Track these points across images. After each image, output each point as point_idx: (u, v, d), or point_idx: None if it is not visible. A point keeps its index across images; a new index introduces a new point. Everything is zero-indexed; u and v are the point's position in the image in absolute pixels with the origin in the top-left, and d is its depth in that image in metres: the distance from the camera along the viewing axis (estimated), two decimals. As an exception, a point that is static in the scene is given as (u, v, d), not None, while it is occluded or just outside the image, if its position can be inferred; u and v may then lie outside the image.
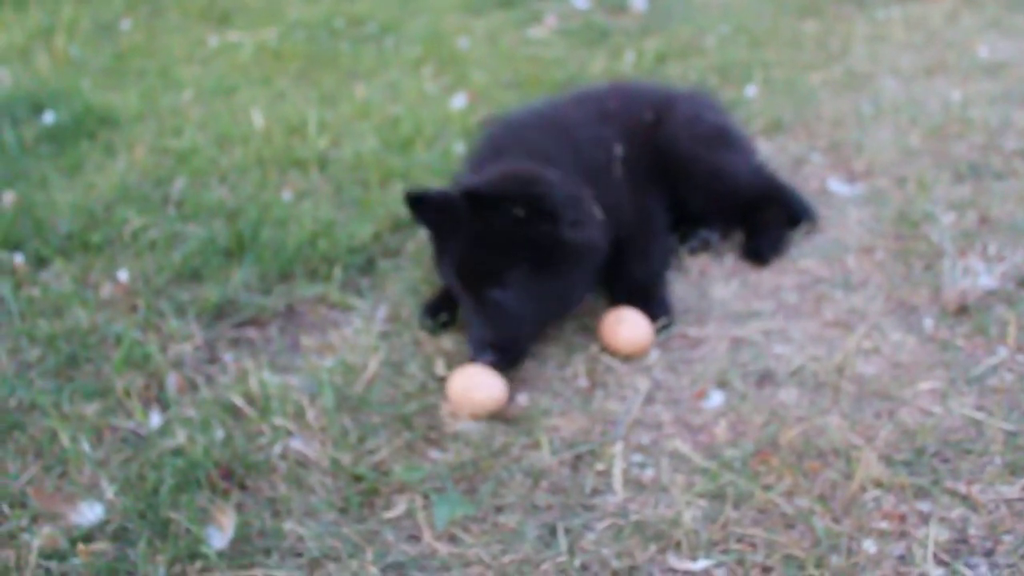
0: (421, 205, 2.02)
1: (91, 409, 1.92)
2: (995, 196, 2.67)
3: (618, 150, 2.28)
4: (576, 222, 2.01)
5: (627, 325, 2.08)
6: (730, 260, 2.47)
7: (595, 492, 1.70)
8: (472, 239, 1.99)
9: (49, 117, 3.47)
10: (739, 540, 1.56)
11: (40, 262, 2.49)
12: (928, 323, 2.11)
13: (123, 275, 2.38)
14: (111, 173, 3.00)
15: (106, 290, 2.34)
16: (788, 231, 2.55)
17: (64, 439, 1.81)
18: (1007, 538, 1.52)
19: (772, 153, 3.10)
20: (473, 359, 1.97)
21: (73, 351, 2.10)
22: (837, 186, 2.83)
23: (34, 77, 4.02)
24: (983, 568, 1.47)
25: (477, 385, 1.90)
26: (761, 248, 2.47)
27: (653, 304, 2.18)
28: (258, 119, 3.43)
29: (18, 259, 2.46)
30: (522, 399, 1.98)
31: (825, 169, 2.98)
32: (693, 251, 2.51)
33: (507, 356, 1.98)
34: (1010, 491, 1.62)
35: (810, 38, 4.40)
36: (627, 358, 2.07)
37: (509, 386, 1.98)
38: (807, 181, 2.89)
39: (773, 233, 2.52)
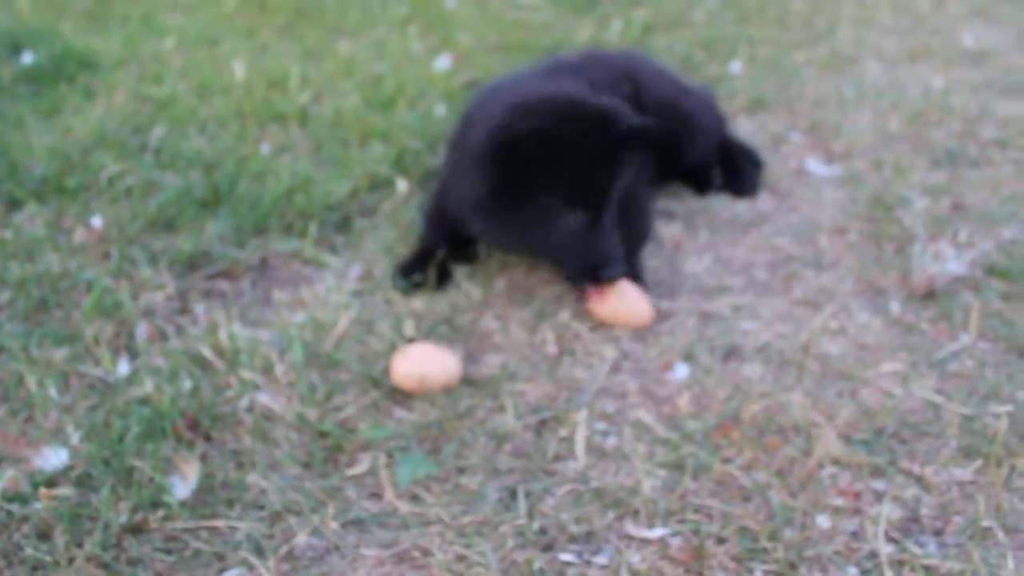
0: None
1: (59, 354, 1.92)
2: (969, 183, 2.70)
3: None
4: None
5: (627, 298, 2.10)
6: (704, 235, 2.49)
7: (557, 458, 1.72)
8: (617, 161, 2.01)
9: (28, 58, 3.43)
10: (696, 510, 1.58)
11: (13, 204, 2.47)
12: (895, 306, 2.14)
13: (97, 221, 2.36)
14: (89, 118, 2.97)
15: (79, 235, 2.32)
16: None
17: (31, 383, 1.81)
18: (957, 519, 1.56)
19: (752, 131, 3.11)
20: (611, 274, 2.01)
21: (43, 296, 2.09)
22: (815, 166, 2.85)
23: (13, 16, 3.97)
24: (932, 547, 1.50)
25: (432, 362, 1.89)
26: (747, 183, 2.71)
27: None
28: (240, 71, 3.41)
29: (-9, 200, 2.45)
30: (490, 363, 1.99)
31: (804, 149, 3.00)
32: (719, 189, 2.72)
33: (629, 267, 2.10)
34: (962, 473, 1.65)
35: (797, 16, 4.41)
36: (625, 328, 2.08)
37: (477, 350, 1.99)
38: (785, 160, 2.91)
39: (750, 169, 2.76)
